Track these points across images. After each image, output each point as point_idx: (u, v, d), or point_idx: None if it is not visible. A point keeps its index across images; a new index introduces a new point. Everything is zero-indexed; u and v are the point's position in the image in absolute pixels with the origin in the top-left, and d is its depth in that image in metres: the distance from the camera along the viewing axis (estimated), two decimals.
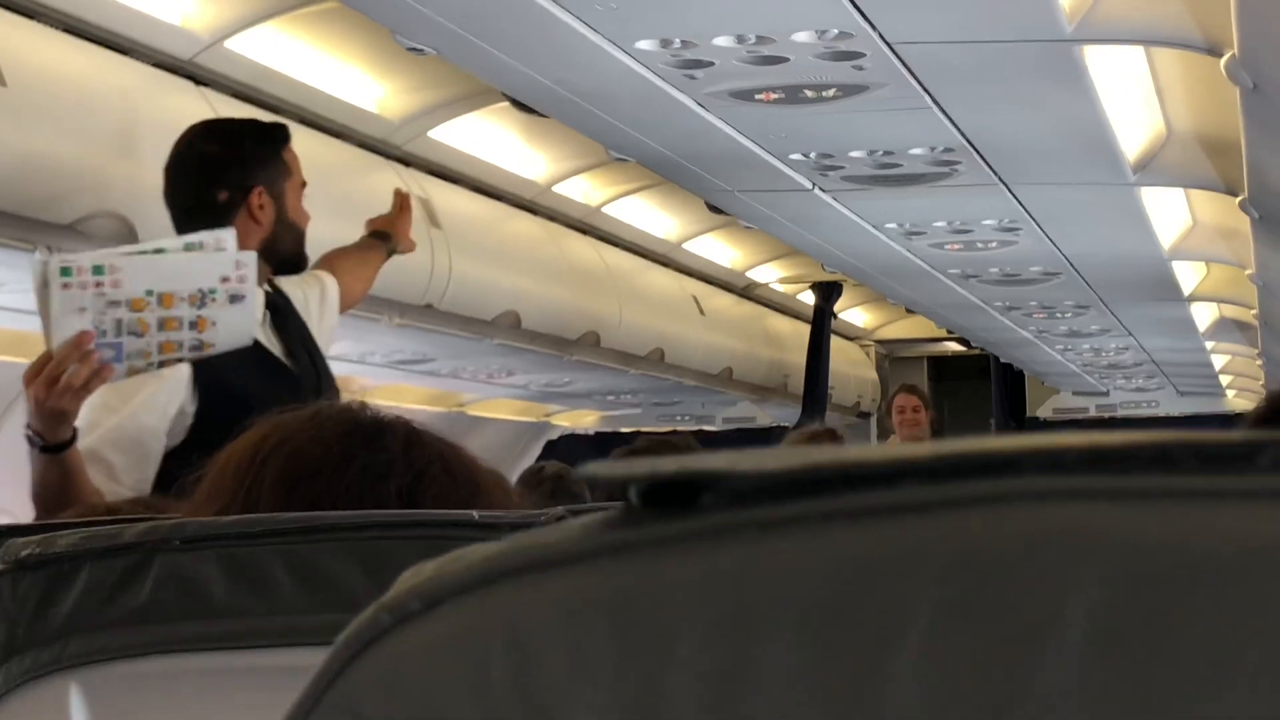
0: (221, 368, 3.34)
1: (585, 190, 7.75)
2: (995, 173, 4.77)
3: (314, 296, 3.76)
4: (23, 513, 6.37)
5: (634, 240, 8.51)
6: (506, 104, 5.92)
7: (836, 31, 3.45)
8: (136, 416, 3.28)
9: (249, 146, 3.46)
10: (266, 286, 3.50)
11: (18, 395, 6.36)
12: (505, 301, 6.89)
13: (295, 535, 1.28)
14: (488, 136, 6.61)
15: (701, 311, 9.18)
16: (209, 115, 4.99)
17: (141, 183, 4.64)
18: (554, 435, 10.51)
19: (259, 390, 3.36)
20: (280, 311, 3.51)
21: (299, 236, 3.51)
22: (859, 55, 3.61)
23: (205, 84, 5.11)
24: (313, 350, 3.52)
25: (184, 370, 3.30)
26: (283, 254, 3.48)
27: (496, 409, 9.56)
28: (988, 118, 4.21)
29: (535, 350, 7.50)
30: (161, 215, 4.71)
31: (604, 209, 7.96)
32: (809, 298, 10.65)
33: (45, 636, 1.26)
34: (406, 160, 6.19)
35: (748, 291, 10.37)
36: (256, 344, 3.41)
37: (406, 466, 1.45)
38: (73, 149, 4.38)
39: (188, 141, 3.50)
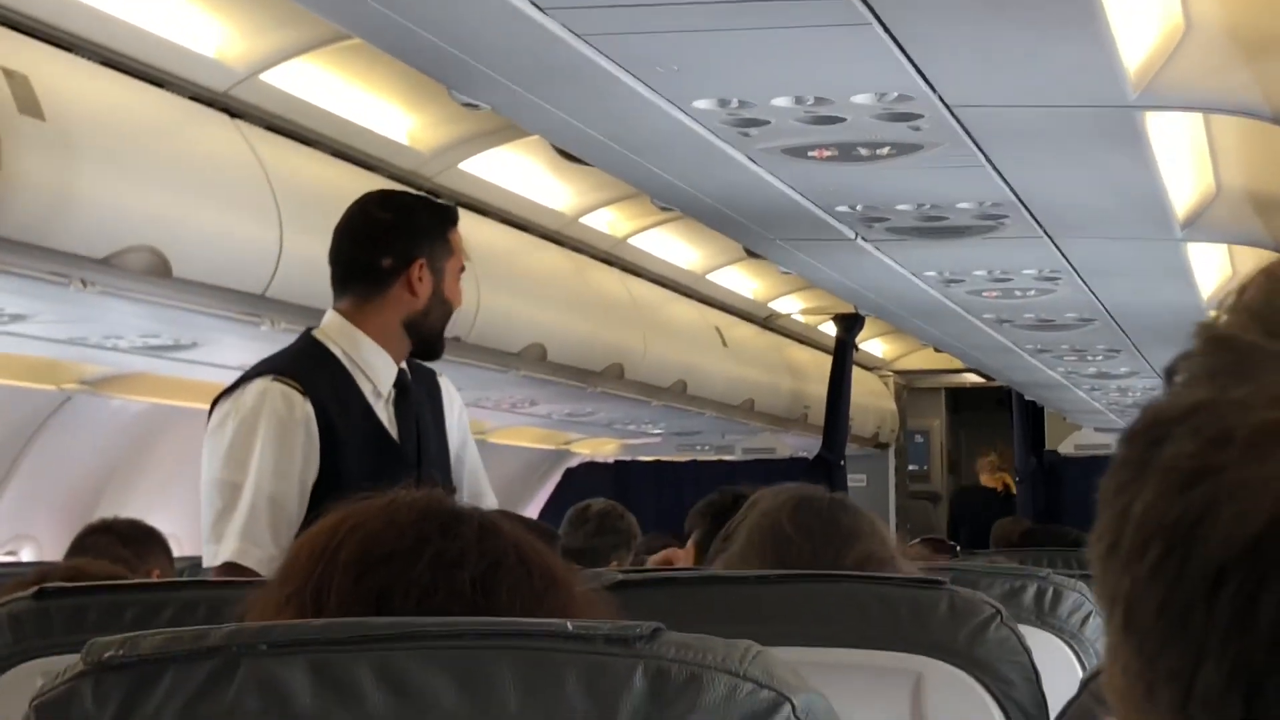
0: (348, 442, 3.35)
1: (611, 221, 7.74)
2: (1041, 227, 4.76)
3: (458, 410, 3.74)
4: (47, 540, 6.37)
5: (658, 271, 8.51)
6: (534, 138, 5.92)
7: (897, 94, 3.43)
8: (289, 490, 3.30)
9: (419, 219, 3.50)
10: (402, 365, 3.50)
11: (46, 419, 6.38)
12: (532, 334, 6.88)
13: (385, 642, 1.25)
14: (516, 169, 6.60)
15: (724, 342, 9.17)
16: (243, 147, 5.00)
17: (176, 216, 4.64)
18: (573, 463, 10.49)
19: (368, 464, 3.36)
20: (406, 393, 3.50)
21: (448, 316, 3.53)
22: (917, 116, 3.59)
23: (239, 116, 5.10)
24: (425, 436, 3.51)
25: (317, 441, 3.31)
26: (429, 331, 3.49)
27: (517, 436, 9.55)
28: (1040, 176, 4.19)
29: (559, 382, 7.49)
30: (194, 248, 4.71)
31: (629, 240, 7.96)
32: (830, 328, 10.63)
33: None
34: (437, 193, 6.17)
35: (769, 322, 10.36)
36: (376, 423, 3.42)
37: (480, 556, 1.41)
38: (108, 182, 4.36)
39: (362, 206, 3.53)
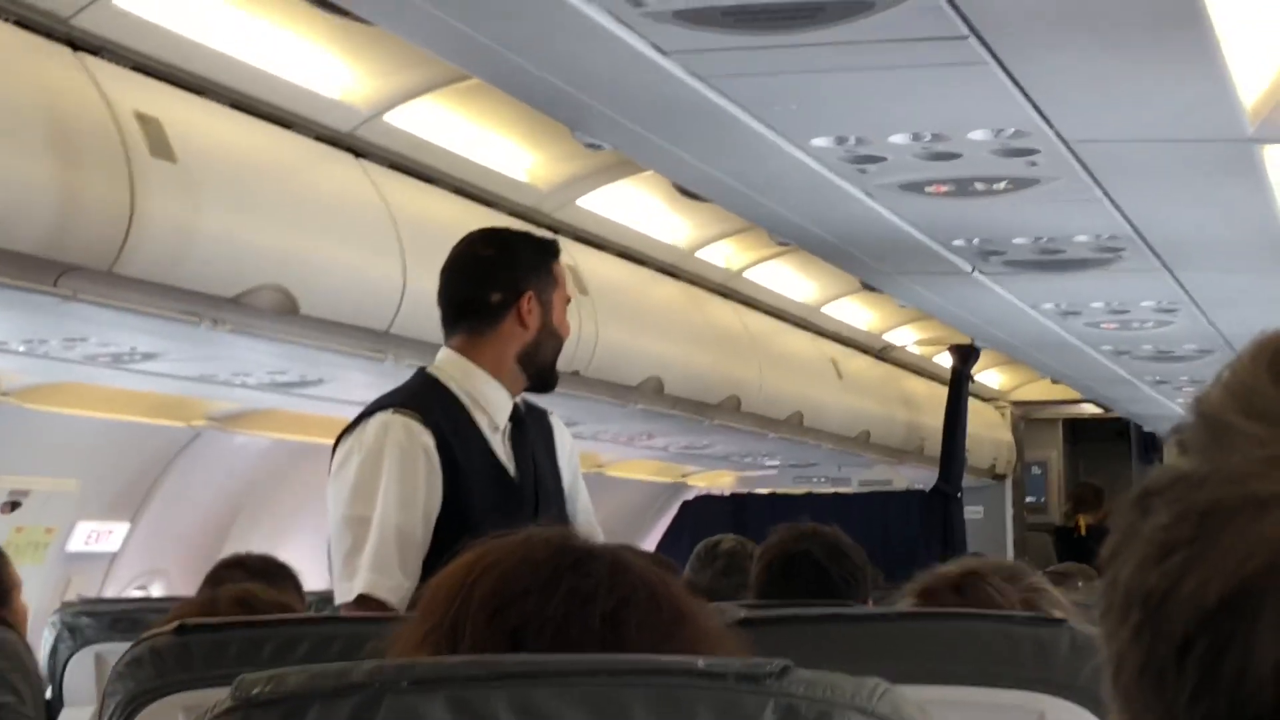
0: (468, 477, 3.39)
1: (727, 255, 7.76)
2: (1159, 259, 4.75)
3: (568, 449, 3.76)
4: (177, 574, 6.46)
5: (774, 304, 8.52)
6: (651, 173, 5.97)
7: (1013, 130, 3.45)
8: (415, 521, 3.34)
9: (524, 253, 3.55)
10: (518, 400, 3.54)
11: (175, 455, 6.48)
12: (649, 367, 6.90)
13: (523, 679, 1.28)
14: (633, 203, 6.64)
15: (839, 374, 9.16)
16: (367, 186, 5.08)
17: (303, 255, 4.71)
18: (689, 495, 10.49)
19: (488, 500, 3.41)
20: (521, 427, 3.54)
21: (558, 347, 3.58)
22: (1034, 152, 3.61)
23: (363, 156, 5.18)
24: (540, 470, 3.55)
25: (439, 471, 3.36)
26: (541, 362, 3.54)
27: (634, 469, 9.57)
28: (1158, 209, 4.19)
29: (676, 415, 7.51)
30: (321, 286, 4.79)
31: (745, 273, 7.98)
32: (945, 359, 10.58)
33: None
34: (555, 228, 6.22)
35: (884, 354, 10.34)
36: (493, 456, 3.46)
37: (611, 591, 1.43)
38: (237, 222, 4.44)
39: (467, 244, 3.58)
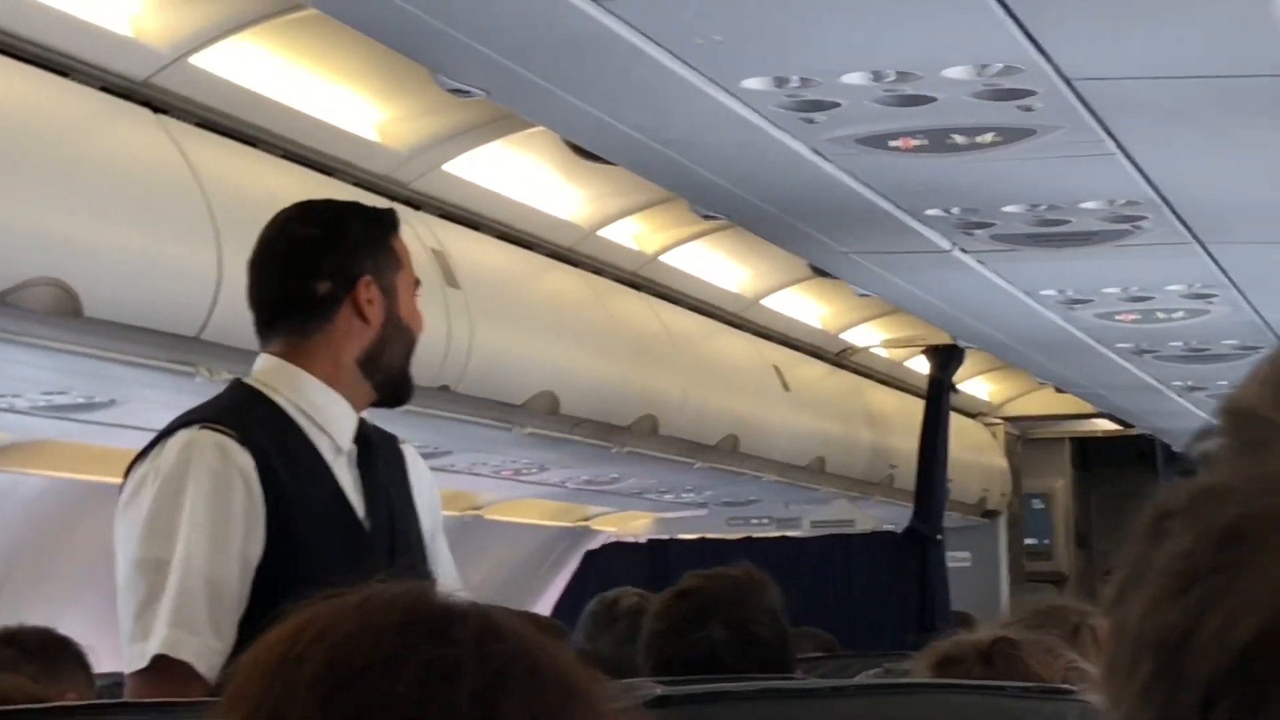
0: (301, 513, 3.39)
1: (638, 234, 7.77)
2: (1189, 230, 4.81)
3: (427, 487, 3.76)
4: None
5: (699, 296, 8.54)
6: (539, 129, 5.97)
7: (1001, 66, 3.48)
8: (228, 566, 3.33)
9: (354, 228, 3.56)
10: (363, 415, 3.53)
11: None
12: (539, 380, 6.91)
13: None
14: (517, 170, 6.63)
15: (785, 385, 9.19)
16: (169, 150, 5.06)
17: (87, 239, 4.69)
18: (595, 543, 10.51)
19: (327, 545, 3.40)
20: (369, 451, 3.54)
21: (410, 344, 3.58)
22: (1028, 94, 3.64)
23: (164, 110, 5.16)
24: (396, 508, 3.55)
25: (261, 504, 3.35)
26: (389, 366, 3.54)
27: (522, 511, 9.57)
28: (1187, 166, 4.24)
29: (577, 440, 7.51)
30: (111, 280, 4.76)
31: (661, 258, 7.99)
32: (921, 365, 10.64)
33: None
34: (416, 201, 6.22)
35: (843, 358, 10.38)
36: (336, 486, 3.47)
37: (480, 664, 1.42)
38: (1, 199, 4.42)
39: (279, 225, 3.58)
